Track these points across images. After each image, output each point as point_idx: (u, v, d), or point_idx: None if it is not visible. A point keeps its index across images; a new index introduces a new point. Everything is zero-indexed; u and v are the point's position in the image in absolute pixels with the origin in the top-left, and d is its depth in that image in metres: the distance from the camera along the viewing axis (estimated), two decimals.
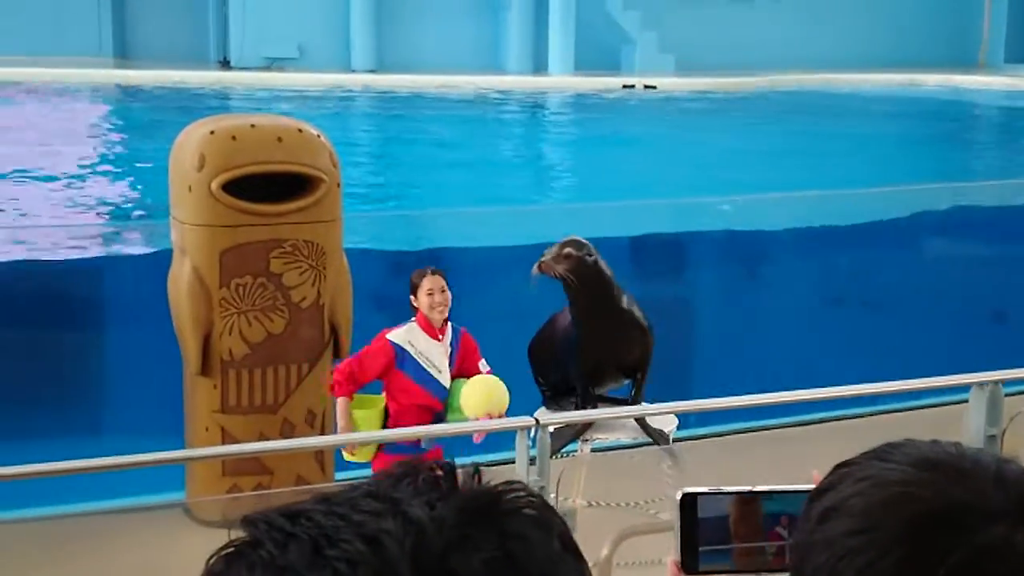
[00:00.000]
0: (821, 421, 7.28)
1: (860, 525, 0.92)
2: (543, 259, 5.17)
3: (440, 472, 0.84)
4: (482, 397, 4.88)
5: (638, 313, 5.40)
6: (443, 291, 5.02)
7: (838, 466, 0.98)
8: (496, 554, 0.79)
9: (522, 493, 0.85)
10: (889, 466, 0.95)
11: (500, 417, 4.83)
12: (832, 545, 0.92)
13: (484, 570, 0.78)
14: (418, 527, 0.78)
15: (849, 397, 6.37)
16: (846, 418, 7.30)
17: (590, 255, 5.24)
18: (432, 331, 5.02)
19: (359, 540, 0.77)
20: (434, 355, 5.01)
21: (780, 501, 1.17)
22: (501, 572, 0.79)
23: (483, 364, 5.11)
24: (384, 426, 5.12)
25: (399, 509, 0.80)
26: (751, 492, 1.17)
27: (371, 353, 5.03)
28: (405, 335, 5.02)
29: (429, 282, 5.00)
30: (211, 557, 0.81)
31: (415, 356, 4.99)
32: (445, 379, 5.02)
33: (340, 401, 5.05)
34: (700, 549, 1.18)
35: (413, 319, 5.06)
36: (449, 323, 5.10)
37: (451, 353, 5.06)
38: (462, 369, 5.09)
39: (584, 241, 5.31)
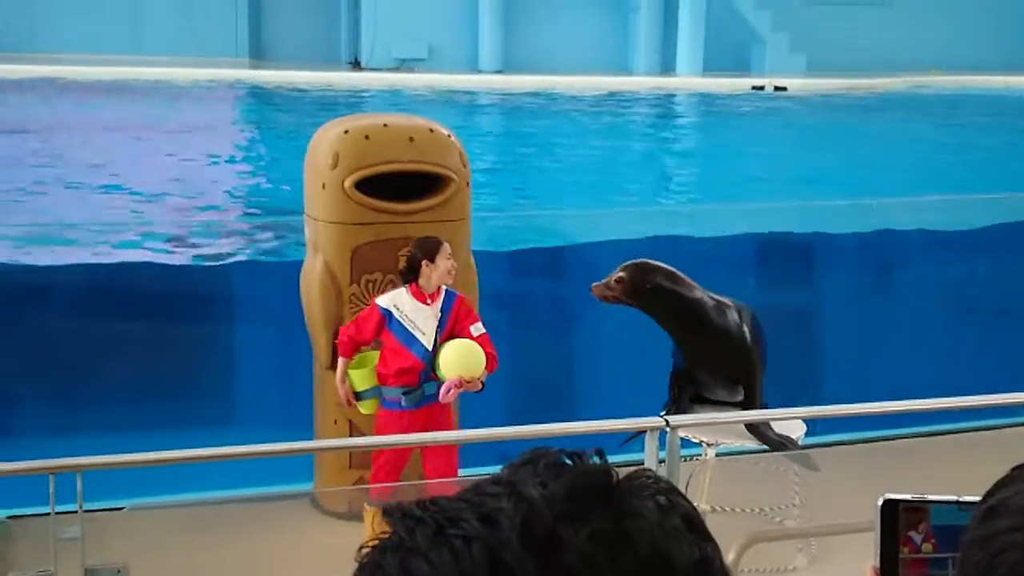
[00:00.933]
0: (957, 432, 7.05)
1: (1018, 522, 0.92)
2: (595, 284, 5.21)
3: (565, 458, 0.88)
4: (456, 361, 5.15)
5: (732, 326, 5.32)
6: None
7: (1014, 468, 0.97)
8: (605, 527, 0.82)
9: (647, 478, 0.87)
10: None
11: (471, 382, 5.14)
12: (990, 542, 0.93)
13: (590, 543, 0.81)
14: (529, 503, 0.83)
15: (986, 407, 6.16)
16: (984, 429, 7.05)
17: (648, 282, 5.20)
18: (422, 296, 5.25)
19: (476, 519, 0.83)
20: (419, 318, 5.23)
21: (949, 513, 1.14)
22: (609, 545, 0.82)
23: (474, 328, 5.29)
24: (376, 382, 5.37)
25: (515, 489, 0.84)
26: (956, 502, 1.14)
27: (365, 316, 5.31)
28: (391, 299, 5.28)
29: (448, 249, 5.25)
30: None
31: (399, 318, 5.22)
32: (428, 341, 5.23)
33: (340, 361, 5.37)
34: (900, 557, 1.15)
35: (405, 286, 5.28)
36: (443, 288, 5.28)
37: (441, 317, 5.26)
38: (455, 331, 5.28)
39: (647, 265, 5.28)
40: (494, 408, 6.86)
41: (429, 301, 5.25)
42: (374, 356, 5.37)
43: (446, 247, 5.26)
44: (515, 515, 0.82)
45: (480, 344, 5.25)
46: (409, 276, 5.27)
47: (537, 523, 0.82)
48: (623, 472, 0.88)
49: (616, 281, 5.20)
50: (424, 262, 5.21)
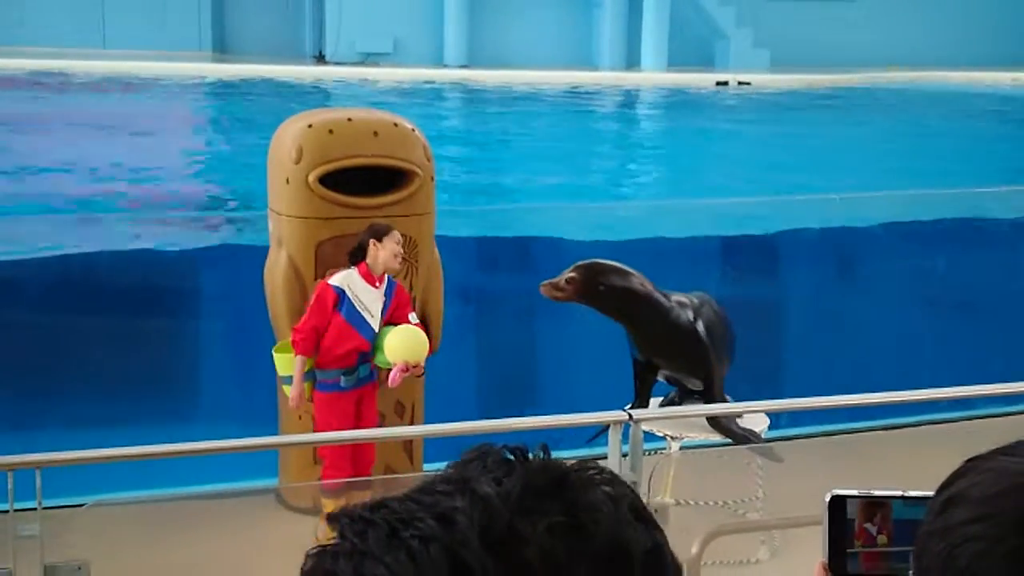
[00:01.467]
0: (917, 425, 7.13)
1: (977, 513, 0.92)
2: (545, 283, 5.24)
3: (510, 453, 0.88)
4: (403, 346, 5.28)
5: (685, 324, 5.37)
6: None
7: (968, 460, 0.98)
8: (561, 520, 0.82)
9: (591, 469, 0.88)
10: (1014, 459, 0.95)
11: (417, 367, 5.28)
12: (950, 533, 0.93)
13: (549, 535, 0.81)
14: (485, 501, 0.82)
15: (946, 400, 6.23)
16: (947, 422, 7.13)
17: (602, 283, 5.23)
18: (371, 278, 5.34)
19: (431, 518, 0.82)
20: (369, 300, 5.34)
21: (899, 507, 1.15)
22: (567, 535, 0.82)
23: (412, 316, 5.44)
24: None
25: (468, 487, 0.83)
26: (901, 496, 1.15)
27: (319, 301, 5.34)
28: (344, 279, 5.34)
29: (398, 235, 5.35)
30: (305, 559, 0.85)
31: (351, 299, 5.31)
32: (375, 323, 5.35)
33: (298, 360, 5.35)
34: (848, 551, 1.16)
35: (354, 267, 5.34)
36: (385, 274, 5.38)
37: (385, 301, 5.38)
38: (393, 318, 5.41)
39: (599, 265, 5.29)
40: (459, 401, 6.86)
41: (377, 284, 5.35)
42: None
43: (396, 233, 5.34)
44: (472, 513, 0.81)
45: None
46: (357, 256, 5.34)
47: (495, 520, 0.81)
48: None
49: (567, 282, 5.22)
50: (372, 242, 5.29)
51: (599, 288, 5.23)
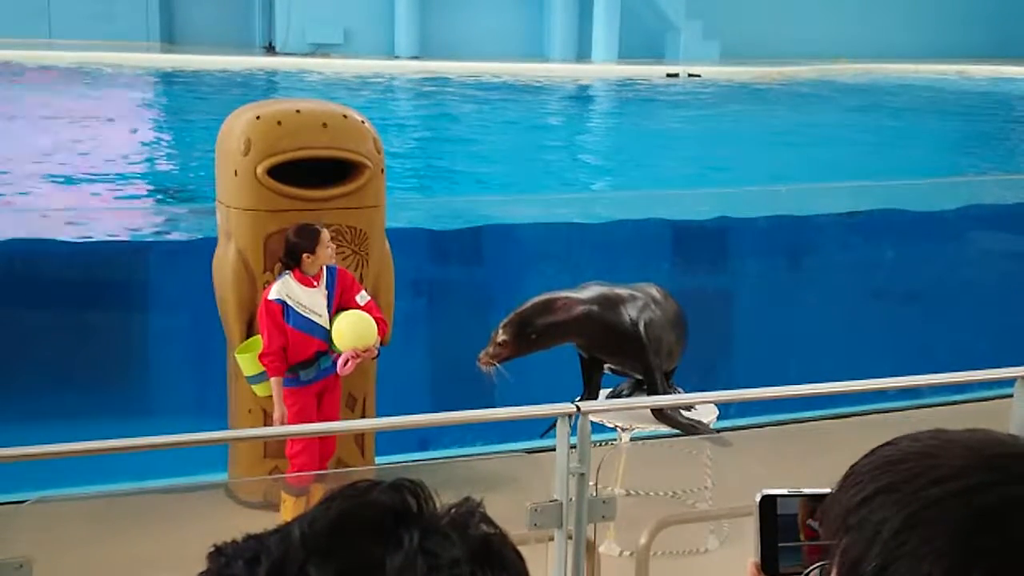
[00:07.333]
0: (864, 414, 7.22)
1: (871, 489, 0.93)
2: (480, 356, 5.28)
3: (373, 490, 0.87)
4: (350, 333, 5.29)
5: (624, 323, 5.44)
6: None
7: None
8: (355, 564, 0.82)
9: (457, 506, 0.86)
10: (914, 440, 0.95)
11: (367, 352, 5.26)
12: (854, 512, 0.93)
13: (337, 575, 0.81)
14: (288, 542, 0.83)
15: (891, 389, 6.32)
16: (889, 411, 7.23)
17: (533, 332, 5.30)
18: (307, 280, 5.31)
19: (244, 560, 0.84)
20: (312, 302, 5.32)
21: None
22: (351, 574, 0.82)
23: (360, 298, 5.42)
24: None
25: (284, 527, 0.85)
26: (830, 494, 1.16)
27: (272, 319, 5.29)
28: (281, 289, 5.31)
29: (327, 234, 5.32)
30: None
31: (295, 307, 5.29)
32: (325, 322, 5.34)
33: (274, 382, 5.34)
34: (780, 545, 1.17)
35: (287, 274, 5.30)
36: (323, 267, 5.35)
37: (328, 294, 5.36)
38: (342, 303, 5.39)
39: (522, 317, 5.33)
40: (410, 394, 6.85)
41: (315, 283, 5.33)
42: (259, 339, 5.41)
43: (325, 234, 5.31)
44: (273, 555, 0.82)
45: (368, 311, 5.38)
46: (291, 263, 5.31)
47: (290, 563, 0.82)
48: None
49: (500, 345, 5.29)
50: (305, 255, 5.27)
51: (532, 337, 5.31)
